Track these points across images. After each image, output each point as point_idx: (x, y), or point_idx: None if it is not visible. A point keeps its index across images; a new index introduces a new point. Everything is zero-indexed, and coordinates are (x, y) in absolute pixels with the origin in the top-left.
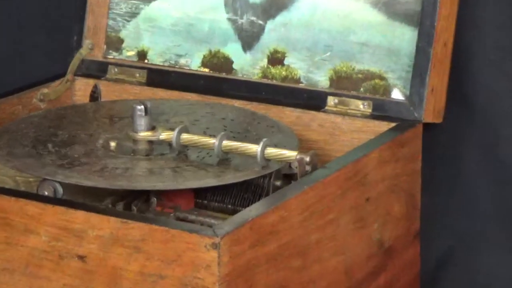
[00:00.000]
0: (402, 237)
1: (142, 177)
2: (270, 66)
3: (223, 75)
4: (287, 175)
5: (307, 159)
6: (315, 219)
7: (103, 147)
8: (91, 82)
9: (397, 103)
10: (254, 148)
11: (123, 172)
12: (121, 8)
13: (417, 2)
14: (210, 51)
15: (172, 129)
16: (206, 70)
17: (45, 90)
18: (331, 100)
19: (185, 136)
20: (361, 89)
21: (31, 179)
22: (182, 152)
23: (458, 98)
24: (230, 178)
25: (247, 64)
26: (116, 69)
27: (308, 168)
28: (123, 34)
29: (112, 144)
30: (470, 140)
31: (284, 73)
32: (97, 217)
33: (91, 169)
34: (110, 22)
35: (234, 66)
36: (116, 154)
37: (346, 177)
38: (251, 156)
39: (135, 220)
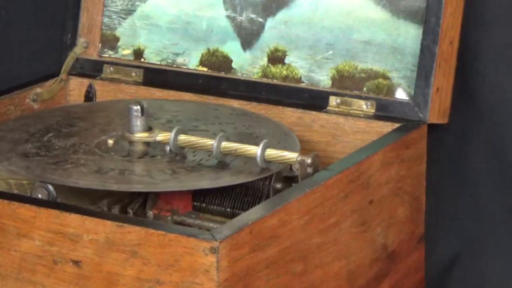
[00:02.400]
0: (406, 241)
1: (85, 174)
2: (270, 65)
3: (222, 74)
4: (288, 178)
5: (309, 161)
6: (316, 222)
7: (97, 144)
8: (86, 81)
9: (401, 103)
10: (254, 150)
11: (74, 167)
12: (117, 5)
13: None
14: (209, 50)
15: (169, 130)
16: (204, 69)
17: (38, 90)
18: (333, 100)
19: (182, 138)
20: (364, 88)
21: (24, 182)
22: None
23: (464, 98)
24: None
25: (247, 63)
26: (111, 68)
27: (309, 170)
28: (118, 32)
29: (110, 141)
30: (477, 141)
31: (284, 72)
32: (92, 220)
33: (47, 161)
34: (105, 19)
35: (233, 65)
36: (98, 151)
37: (348, 180)
38: (251, 158)
39: (131, 224)
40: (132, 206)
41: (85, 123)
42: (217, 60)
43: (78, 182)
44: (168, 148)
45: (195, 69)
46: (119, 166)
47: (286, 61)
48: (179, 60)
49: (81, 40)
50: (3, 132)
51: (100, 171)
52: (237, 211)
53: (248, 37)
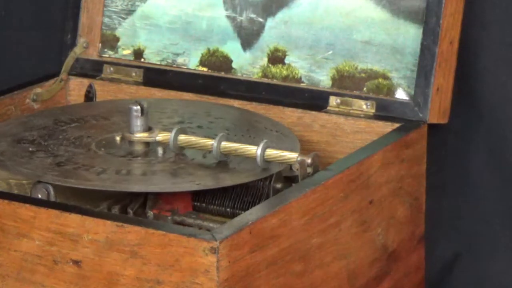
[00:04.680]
0: (406, 241)
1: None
2: (270, 65)
3: (222, 74)
4: (288, 178)
5: (309, 161)
6: (316, 222)
7: (100, 140)
8: (86, 81)
9: (401, 103)
10: (254, 150)
11: (45, 157)
12: (117, 5)
13: None
14: (209, 50)
15: (169, 130)
16: (204, 69)
17: (39, 90)
18: (333, 100)
19: (182, 138)
20: (364, 88)
21: (24, 182)
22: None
23: (464, 97)
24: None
25: (247, 63)
26: (111, 68)
27: (309, 170)
28: (118, 32)
29: (117, 138)
30: (477, 141)
31: (285, 72)
32: (92, 220)
33: (29, 148)
34: (106, 19)
35: (233, 65)
36: (93, 147)
37: (348, 180)
38: (251, 158)
39: (131, 224)
40: (132, 206)
41: (108, 119)
42: (217, 60)
43: (22, 171)
44: (160, 150)
45: (195, 69)
46: (87, 162)
47: (286, 61)
48: (179, 60)
49: (81, 40)
50: (33, 117)
51: (60, 164)
52: (237, 211)
53: (248, 37)
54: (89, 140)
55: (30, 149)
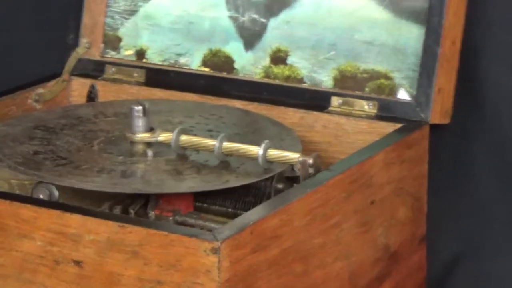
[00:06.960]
0: (408, 242)
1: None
2: (272, 65)
3: (224, 74)
4: (289, 178)
5: (310, 161)
6: (318, 223)
7: (107, 137)
8: (88, 82)
9: (403, 103)
10: (256, 150)
11: (36, 144)
12: (119, 6)
13: None
14: (211, 50)
15: (171, 131)
16: (207, 69)
17: (41, 90)
18: (335, 101)
19: (184, 138)
20: (366, 89)
21: (25, 182)
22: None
23: (466, 98)
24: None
25: (249, 63)
26: (113, 69)
27: (311, 170)
28: (121, 32)
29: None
30: (479, 142)
31: (287, 72)
32: (94, 221)
33: (36, 134)
34: (108, 20)
35: (235, 65)
36: (95, 144)
37: (350, 180)
38: (253, 158)
39: (133, 224)
40: (133, 207)
41: (156, 117)
42: (219, 61)
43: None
44: (150, 152)
45: (197, 70)
46: (65, 155)
47: (288, 61)
48: (182, 60)
49: (83, 41)
50: (73, 107)
51: (37, 153)
52: (238, 211)
53: (251, 37)
54: (99, 135)
55: (36, 136)
